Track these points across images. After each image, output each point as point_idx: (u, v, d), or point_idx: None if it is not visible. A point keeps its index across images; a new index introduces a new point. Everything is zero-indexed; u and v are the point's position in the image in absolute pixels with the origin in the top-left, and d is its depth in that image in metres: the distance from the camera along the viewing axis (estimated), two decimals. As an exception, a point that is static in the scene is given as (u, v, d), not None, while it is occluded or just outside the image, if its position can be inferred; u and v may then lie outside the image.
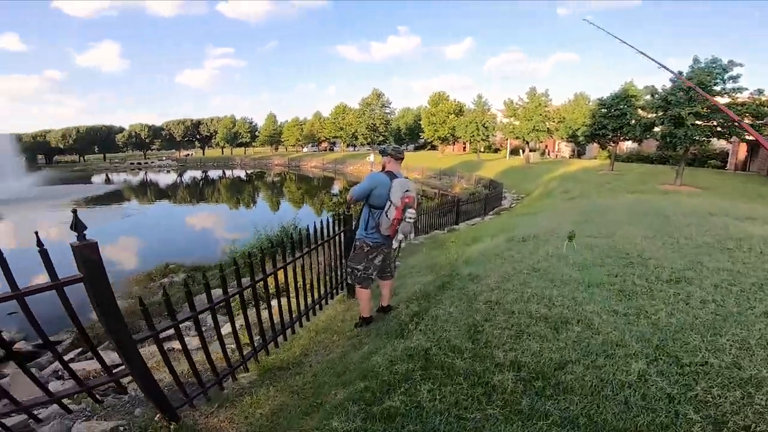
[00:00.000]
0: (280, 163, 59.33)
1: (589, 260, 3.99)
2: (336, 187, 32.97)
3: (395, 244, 3.14)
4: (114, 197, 29.38)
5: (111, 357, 3.44)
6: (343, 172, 44.46)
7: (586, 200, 12.22)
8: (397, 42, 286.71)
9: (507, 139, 37.14)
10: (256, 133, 72.51)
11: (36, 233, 1.68)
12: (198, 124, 75.37)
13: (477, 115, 36.87)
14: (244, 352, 2.85)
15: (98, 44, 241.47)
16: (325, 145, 70.38)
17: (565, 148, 38.45)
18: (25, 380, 1.88)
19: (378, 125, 55.03)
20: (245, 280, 2.79)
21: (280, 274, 3.20)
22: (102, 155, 71.48)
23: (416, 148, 70.76)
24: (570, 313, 2.74)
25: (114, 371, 2.09)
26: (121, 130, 72.28)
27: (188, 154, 76.77)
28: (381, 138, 55.60)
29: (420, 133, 51.95)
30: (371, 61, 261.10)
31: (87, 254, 1.73)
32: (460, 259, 5.29)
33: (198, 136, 76.47)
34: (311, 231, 3.62)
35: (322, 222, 3.75)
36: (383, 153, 3.18)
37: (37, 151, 64.84)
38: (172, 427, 2.15)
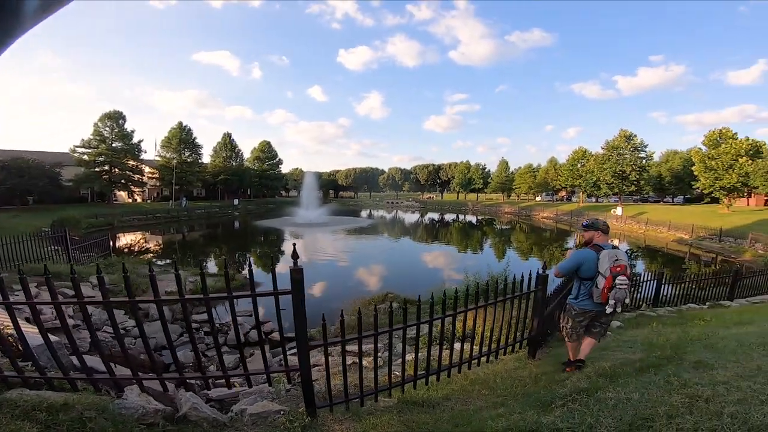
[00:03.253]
0: (510, 211, 58.14)
1: None
2: (571, 242, 29.71)
3: (609, 310, 3.29)
4: (373, 230, 36.66)
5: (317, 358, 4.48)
6: (579, 225, 39.07)
7: None
8: (651, 74, 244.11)
9: None
10: (489, 180, 73.43)
11: (272, 258, 2.57)
12: (438, 169, 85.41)
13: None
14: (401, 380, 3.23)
15: (368, 95, 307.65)
16: (563, 194, 64.95)
17: None
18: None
19: (629, 172, 44.66)
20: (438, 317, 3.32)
21: (457, 320, 3.45)
22: (368, 193, 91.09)
23: (687, 201, 56.06)
24: None
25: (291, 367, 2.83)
26: (382, 172, 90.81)
27: (429, 197, 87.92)
28: (633, 188, 46.05)
29: (692, 182, 40.62)
30: (617, 98, 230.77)
31: (295, 276, 2.47)
32: (697, 342, 4.10)
33: (438, 181, 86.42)
34: (489, 285, 3.88)
35: (514, 277, 4.04)
36: (591, 227, 3.51)
37: (329, 186, 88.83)
38: (307, 420, 2.64)
